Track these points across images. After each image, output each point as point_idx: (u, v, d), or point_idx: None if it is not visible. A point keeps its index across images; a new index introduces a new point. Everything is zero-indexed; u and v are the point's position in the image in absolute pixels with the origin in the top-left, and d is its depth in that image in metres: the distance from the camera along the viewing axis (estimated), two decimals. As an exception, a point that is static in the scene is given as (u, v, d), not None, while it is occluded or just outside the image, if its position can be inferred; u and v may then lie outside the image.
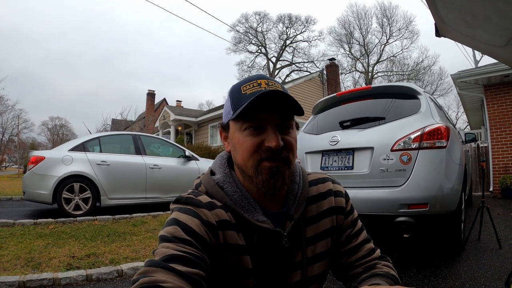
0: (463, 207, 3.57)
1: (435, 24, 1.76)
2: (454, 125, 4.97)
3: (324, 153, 3.68)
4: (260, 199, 0.94)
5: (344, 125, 3.67)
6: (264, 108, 0.86)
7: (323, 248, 1.00)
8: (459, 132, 5.03)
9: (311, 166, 3.78)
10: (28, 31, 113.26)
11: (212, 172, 1.00)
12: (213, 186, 0.94)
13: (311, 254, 0.98)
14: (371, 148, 3.25)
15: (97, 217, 5.65)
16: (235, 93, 0.92)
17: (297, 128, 1.00)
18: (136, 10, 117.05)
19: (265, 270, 0.91)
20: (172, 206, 0.91)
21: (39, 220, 5.23)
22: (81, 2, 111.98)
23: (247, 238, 0.90)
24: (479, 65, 10.40)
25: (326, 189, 1.05)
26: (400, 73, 34.28)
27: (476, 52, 10.76)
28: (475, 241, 4.01)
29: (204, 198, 0.90)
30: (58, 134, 61.66)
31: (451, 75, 9.24)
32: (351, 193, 3.16)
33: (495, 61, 8.95)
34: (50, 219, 5.33)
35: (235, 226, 0.89)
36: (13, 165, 59.39)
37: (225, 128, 0.98)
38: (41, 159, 6.28)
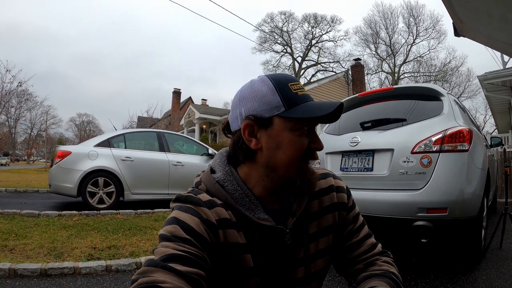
0: (485, 213, 3.49)
1: (453, 23, 1.74)
2: (479, 128, 4.85)
3: (344, 154, 3.67)
4: (262, 197, 0.94)
5: (365, 126, 3.64)
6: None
7: (325, 244, 1.00)
8: (484, 136, 4.90)
9: (331, 166, 3.77)
10: (58, 33, 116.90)
11: (212, 170, 0.98)
12: (213, 184, 0.92)
13: (314, 250, 0.98)
14: (391, 150, 3.21)
15: (120, 211, 5.79)
16: (284, 89, 0.88)
17: None
18: (163, 12, 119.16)
19: (267, 268, 0.90)
20: (172, 204, 0.90)
21: (64, 212, 5.40)
22: (110, 5, 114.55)
23: (248, 236, 0.89)
24: (507, 66, 10.10)
25: (328, 184, 1.05)
26: (427, 74, 33.67)
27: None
28: (497, 249, 3.91)
29: (204, 197, 0.89)
30: (85, 130, 63.37)
31: (477, 76, 9.03)
32: (370, 195, 3.19)
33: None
34: (74, 211, 5.50)
35: (235, 225, 0.88)
36: (40, 159, 61.18)
37: (262, 122, 0.89)
38: (68, 153, 6.48)
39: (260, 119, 0.88)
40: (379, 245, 1.06)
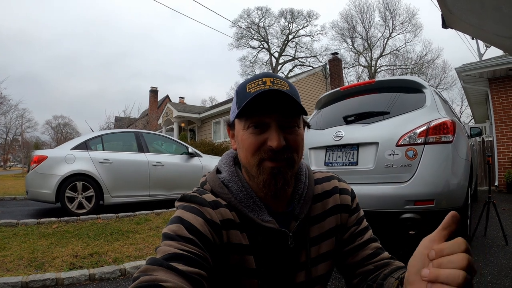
0: (469, 202, 3.52)
1: (441, 15, 1.71)
2: (459, 119, 4.90)
3: (328, 148, 3.64)
4: (266, 199, 0.93)
5: (348, 120, 3.62)
6: (266, 106, 0.85)
7: (328, 248, 0.99)
8: (464, 126, 4.96)
9: (315, 162, 3.74)
10: (33, 35, 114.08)
11: (218, 171, 0.99)
12: (218, 185, 0.93)
13: (315, 254, 0.96)
14: (376, 143, 3.20)
15: (100, 215, 5.63)
16: (241, 91, 0.90)
17: (308, 127, 0.98)
18: (138, 11, 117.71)
19: (269, 271, 0.90)
20: (177, 203, 0.90)
21: (43, 220, 5.21)
22: (85, 6, 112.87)
23: (252, 238, 0.89)
24: (483, 58, 10.29)
25: (332, 187, 1.04)
26: (404, 67, 34.10)
27: (481, 45, 10.62)
28: (481, 237, 3.96)
29: (209, 197, 0.90)
30: (62, 133, 61.98)
31: (455, 68, 9.14)
32: (356, 189, 3.12)
33: (499, 54, 8.85)
34: (53, 218, 5.31)
35: (239, 226, 0.88)
36: (17, 165, 59.66)
37: (231, 126, 0.97)
38: (44, 158, 6.27)
39: (230, 124, 0.97)
40: (387, 252, 1.01)
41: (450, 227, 0.58)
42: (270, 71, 36.07)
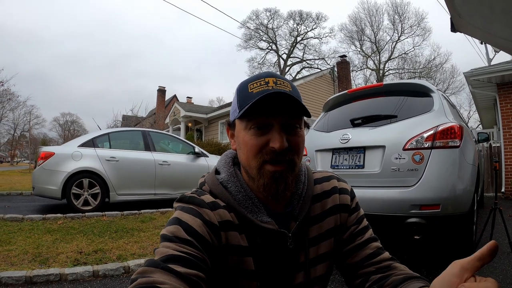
0: (475, 208, 3.49)
1: (450, 18, 1.70)
2: (467, 124, 4.87)
3: (335, 151, 3.63)
4: (265, 199, 0.92)
5: (355, 123, 3.60)
6: (269, 107, 0.84)
7: (326, 249, 0.98)
8: (471, 131, 4.93)
9: (321, 164, 3.73)
10: (40, 33, 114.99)
11: (217, 171, 0.99)
12: (217, 186, 0.93)
13: (314, 255, 0.95)
14: (383, 147, 3.18)
15: (106, 212, 5.67)
16: (242, 91, 0.89)
17: (307, 127, 0.97)
18: (147, 11, 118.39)
19: (268, 272, 0.89)
20: (175, 204, 0.90)
21: (48, 215, 5.24)
22: (92, 4, 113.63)
23: (251, 239, 0.88)
24: (492, 63, 10.21)
25: (331, 186, 1.03)
26: (412, 70, 34.01)
27: (489, 50, 10.55)
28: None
29: (208, 198, 0.89)
30: (69, 130, 62.45)
31: (463, 73, 9.07)
32: (361, 192, 3.15)
33: (508, 59, 8.76)
34: (59, 215, 5.34)
35: (238, 227, 0.87)
36: (24, 160, 60.11)
37: (231, 126, 0.96)
38: (51, 154, 6.31)
39: (230, 123, 0.96)
40: (387, 252, 1.00)
41: (486, 260, 0.57)
42: (278, 72, 36.04)
